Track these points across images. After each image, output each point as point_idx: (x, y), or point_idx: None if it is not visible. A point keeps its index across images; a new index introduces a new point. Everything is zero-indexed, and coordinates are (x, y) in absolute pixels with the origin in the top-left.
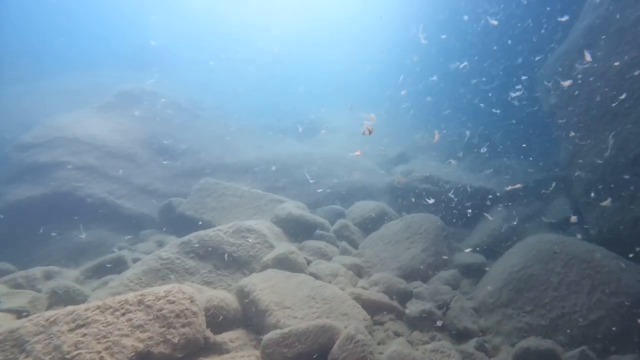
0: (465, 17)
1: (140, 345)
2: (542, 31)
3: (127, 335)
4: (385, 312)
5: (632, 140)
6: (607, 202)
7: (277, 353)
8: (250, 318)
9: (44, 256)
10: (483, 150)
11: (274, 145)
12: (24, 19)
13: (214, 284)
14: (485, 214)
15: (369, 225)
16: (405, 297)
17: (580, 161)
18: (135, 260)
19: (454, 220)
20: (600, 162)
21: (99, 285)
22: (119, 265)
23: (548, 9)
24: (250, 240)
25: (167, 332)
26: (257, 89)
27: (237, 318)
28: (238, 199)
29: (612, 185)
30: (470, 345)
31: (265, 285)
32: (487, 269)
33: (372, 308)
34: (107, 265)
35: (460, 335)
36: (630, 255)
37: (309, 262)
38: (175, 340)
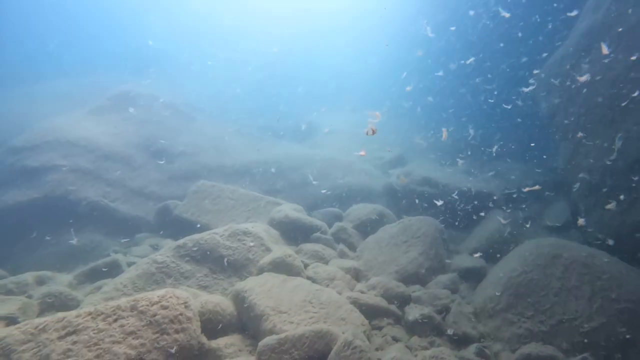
0: (471, 12)
1: (133, 353)
2: (539, 38)
3: (119, 342)
4: (383, 317)
5: (633, 143)
6: (611, 206)
7: (273, 359)
8: (246, 323)
9: (37, 261)
10: (483, 150)
11: (273, 147)
12: (20, 22)
13: (210, 288)
14: (484, 216)
15: (367, 227)
16: (403, 301)
17: (580, 164)
18: (130, 264)
19: (455, 223)
20: (600, 165)
21: (93, 290)
22: (113, 269)
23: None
24: (246, 243)
25: (160, 339)
26: (257, 89)
27: (233, 323)
28: (234, 202)
29: (613, 189)
30: (470, 352)
31: (261, 290)
32: (486, 273)
33: (370, 312)
34: (102, 270)
35: (460, 341)
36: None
37: (306, 266)
38: (169, 346)
